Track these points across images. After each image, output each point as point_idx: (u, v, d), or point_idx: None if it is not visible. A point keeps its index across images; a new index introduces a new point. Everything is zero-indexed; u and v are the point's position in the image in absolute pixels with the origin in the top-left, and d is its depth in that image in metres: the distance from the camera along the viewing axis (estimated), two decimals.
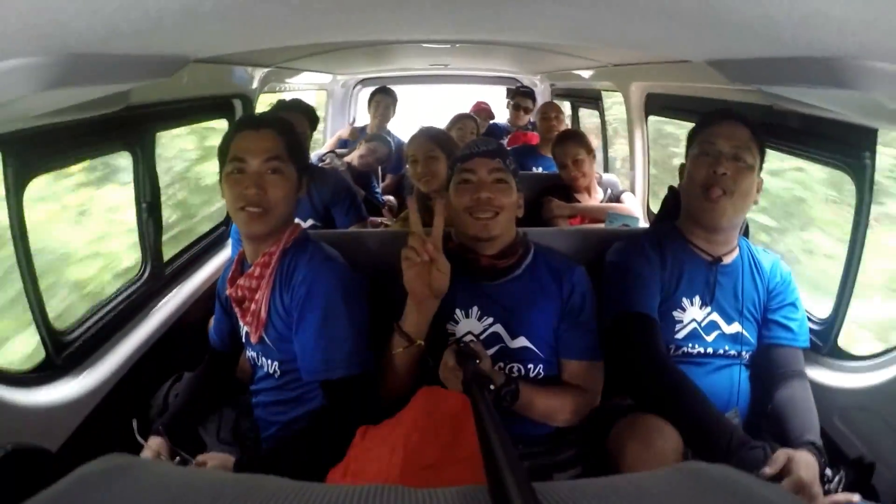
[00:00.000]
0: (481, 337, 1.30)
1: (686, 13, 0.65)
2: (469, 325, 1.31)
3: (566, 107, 3.93)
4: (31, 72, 0.79)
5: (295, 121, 3.54)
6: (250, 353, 1.33)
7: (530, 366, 1.29)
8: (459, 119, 2.97)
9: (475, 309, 1.31)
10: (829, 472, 1.13)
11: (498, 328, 1.30)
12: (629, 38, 1.02)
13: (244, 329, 1.30)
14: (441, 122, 3.07)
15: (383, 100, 3.67)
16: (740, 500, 0.31)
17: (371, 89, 3.88)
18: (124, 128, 1.56)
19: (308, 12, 0.88)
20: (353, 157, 3.04)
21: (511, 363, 1.29)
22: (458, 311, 1.31)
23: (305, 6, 0.80)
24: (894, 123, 1.16)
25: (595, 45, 1.54)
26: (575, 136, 2.48)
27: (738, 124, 1.30)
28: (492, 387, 0.72)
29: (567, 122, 3.35)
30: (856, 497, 1.06)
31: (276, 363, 1.27)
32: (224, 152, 1.22)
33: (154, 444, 1.23)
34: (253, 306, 1.23)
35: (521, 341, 1.29)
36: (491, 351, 1.28)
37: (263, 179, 1.18)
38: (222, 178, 1.22)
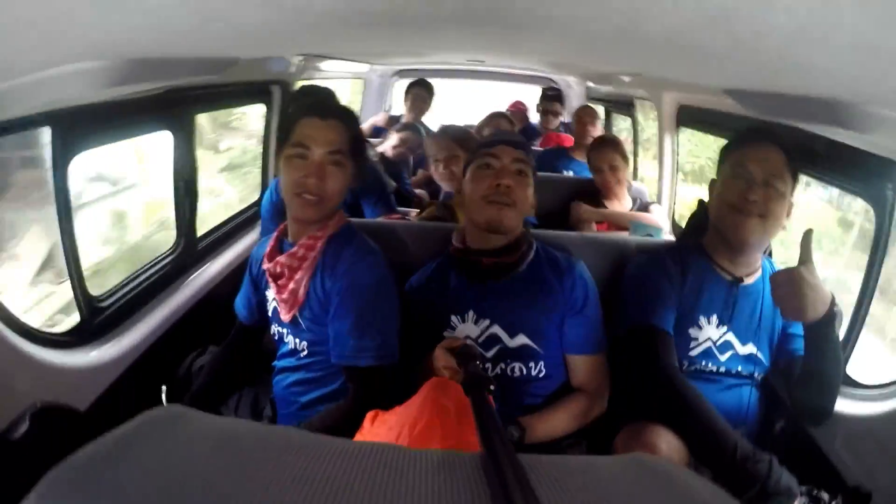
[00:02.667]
0: (479, 340, 1.31)
1: (706, 42, 0.67)
2: (466, 329, 1.32)
3: (600, 111, 3.90)
4: (92, 75, 0.85)
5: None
6: (276, 329, 1.37)
7: (531, 364, 1.30)
8: (494, 118, 2.90)
9: (471, 313, 1.32)
10: (826, 495, 1.12)
11: (496, 329, 1.30)
12: (649, 61, 1.04)
13: (273, 304, 1.34)
14: (475, 120, 3.08)
15: (420, 92, 3.66)
16: (676, 490, 0.35)
17: (407, 81, 3.91)
18: (166, 109, 1.62)
19: (348, 19, 0.92)
20: (387, 148, 3.05)
21: (512, 363, 1.30)
22: (453, 317, 1.33)
23: (347, 16, 0.84)
24: None
25: (622, 60, 1.55)
26: (612, 142, 2.48)
27: (771, 147, 1.27)
28: (492, 387, 0.74)
29: (601, 128, 3.32)
30: None
31: (304, 342, 1.31)
32: (286, 132, 1.24)
33: None
34: (291, 284, 1.27)
35: (521, 339, 1.30)
36: (490, 353, 1.30)
37: (324, 170, 1.21)
38: (281, 159, 1.25)
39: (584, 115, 3.15)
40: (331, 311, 1.24)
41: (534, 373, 1.30)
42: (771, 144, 1.27)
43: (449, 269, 1.39)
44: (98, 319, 1.39)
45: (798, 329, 1.33)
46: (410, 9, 0.89)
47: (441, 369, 1.12)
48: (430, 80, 3.80)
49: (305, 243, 1.27)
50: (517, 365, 1.30)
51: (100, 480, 0.33)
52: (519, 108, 4.52)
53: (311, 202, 1.22)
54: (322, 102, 1.31)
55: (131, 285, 1.56)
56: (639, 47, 0.97)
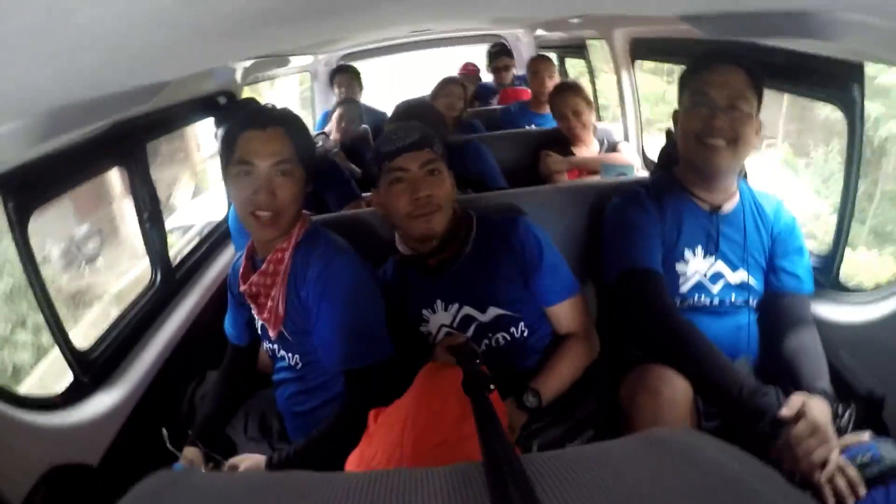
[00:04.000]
0: (454, 324, 1.31)
1: None
2: (439, 318, 1.32)
3: (553, 58, 3.85)
4: (18, 135, 0.80)
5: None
6: (268, 346, 1.35)
7: (512, 329, 1.30)
8: (445, 85, 2.77)
9: (438, 302, 1.32)
10: (839, 408, 1.14)
11: (466, 310, 1.30)
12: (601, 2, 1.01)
13: (260, 323, 1.32)
14: (428, 89, 3.02)
15: (343, 78, 3.62)
16: (700, 467, 0.34)
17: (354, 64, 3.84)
18: (115, 144, 1.57)
19: (276, 17, 0.88)
20: (332, 131, 3.01)
21: (493, 335, 1.30)
22: (424, 311, 1.33)
23: (272, 15, 0.80)
24: (878, 60, 1.15)
25: (572, 4, 1.52)
26: (573, 87, 2.45)
27: (731, 68, 1.23)
28: (491, 386, 0.74)
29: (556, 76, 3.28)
30: (866, 435, 1.07)
31: (296, 356, 1.30)
32: (228, 149, 1.19)
33: (189, 454, 1.28)
34: (269, 303, 1.24)
35: (493, 311, 1.29)
36: (469, 332, 1.30)
37: (272, 182, 1.16)
38: (228, 178, 1.21)
39: (539, 67, 3.10)
40: (313, 319, 1.22)
41: (517, 335, 1.30)
42: (730, 66, 1.24)
43: (404, 269, 1.38)
44: (91, 373, 1.37)
45: (783, 261, 1.35)
46: None
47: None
48: (377, 57, 3.74)
49: (273, 258, 1.23)
50: (499, 335, 1.30)
51: None
52: (470, 70, 4.44)
53: (266, 219, 1.18)
54: (259, 112, 1.24)
55: (117, 330, 1.53)
56: None
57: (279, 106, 1.30)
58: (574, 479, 0.33)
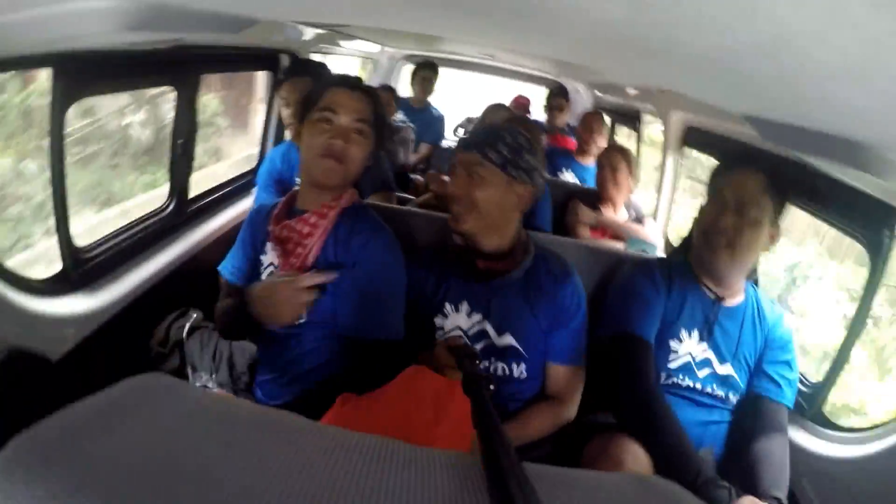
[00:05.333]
0: (469, 332, 1.32)
1: (728, 64, 0.66)
2: (457, 319, 1.33)
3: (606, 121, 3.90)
4: (104, 16, 0.81)
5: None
6: None
7: (514, 365, 1.30)
8: (494, 109, 2.80)
9: (465, 304, 1.32)
10: None
11: (486, 325, 1.31)
12: (666, 75, 1.03)
13: (268, 269, 1.33)
14: (478, 110, 3.06)
15: (426, 74, 3.82)
16: None
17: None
18: (172, 64, 1.59)
19: None
20: None
21: (496, 362, 1.30)
22: (447, 305, 1.33)
23: None
24: None
25: (649, 72, 1.55)
26: (623, 150, 2.50)
27: (751, 172, 1.26)
28: (491, 386, 0.74)
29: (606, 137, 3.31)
30: None
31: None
32: (312, 101, 1.26)
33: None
34: (299, 249, 1.26)
35: (507, 339, 1.30)
36: (477, 346, 1.30)
37: (350, 135, 1.22)
38: (305, 124, 1.26)
39: (592, 121, 3.13)
40: (343, 283, 1.23)
41: (515, 374, 1.31)
42: (750, 169, 1.27)
43: (450, 260, 1.39)
44: (80, 269, 1.36)
45: (770, 368, 1.36)
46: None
47: (441, 369, 1.12)
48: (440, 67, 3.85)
49: (319, 212, 1.26)
50: (501, 364, 1.31)
51: (75, 452, 0.30)
52: (521, 103, 4.47)
53: (334, 165, 1.22)
54: (350, 76, 1.33)
55: (117, 240, 1.52)
56: (670, 61, 0.96)
57: None
58: (567, 491, 0.35)
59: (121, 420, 0.33)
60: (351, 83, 1.28)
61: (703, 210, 1.33)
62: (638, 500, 0.36)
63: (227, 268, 1.43)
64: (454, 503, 0.33)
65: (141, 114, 5.30)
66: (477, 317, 1.32)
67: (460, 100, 5.20)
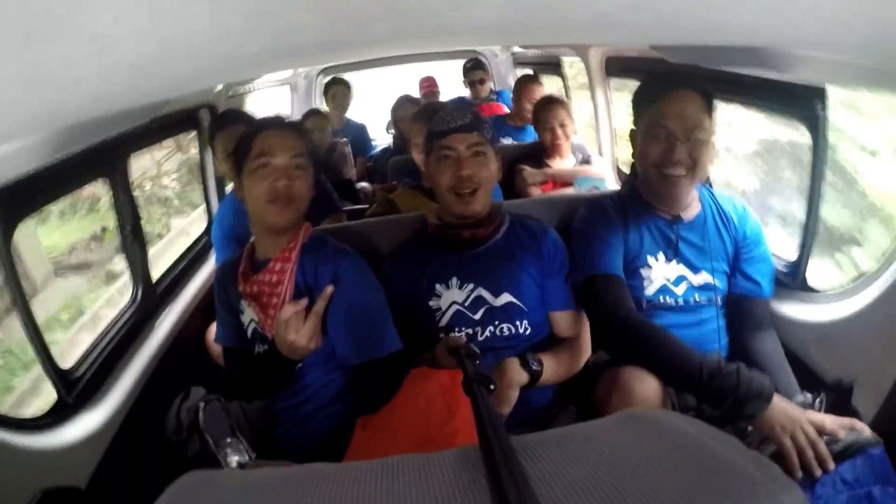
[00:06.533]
0: (466, 303, 1.35)
1: (631, 20, 0.70)
2: (451, 295, 1.36)
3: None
4: (25, 151, 0.81)
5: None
6: (260, 348, 1.35)
7: (517, 322, 1.34)
8: (402, 103, 2.85)
9: (454, 279, 1.36)
10: (808, 396, 1.20)
11: (480, 291, 1.35)
12: (573, 26, 1.07)
13: (251, 326, 1.34)
14: (388, 103, 3.03)
15: (339, 90, 3.80)
16: (669, 435, 0.38)
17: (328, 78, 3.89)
18: (100, 157, 1.55)
19: (279, 51, 0.91)
20: None
21: (501, 323, 1.34)
22: (437, 286, 1.37)
23: (278, 49, 0.83)
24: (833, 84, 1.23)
25: (552, 37, 1.59)
26: (560, 101, 2.51)
27: (689, 95, 1.27)
28: (492, 386, 0.77)
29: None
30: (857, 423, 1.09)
31: None
32: (245, 150, 1.26)
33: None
34: (274, 300, 1.26)
35: (505, 297, 1.34)
36: (478, 315, 1.34)
37: (291, 174, 1.24)
38: (244, 175, 1.26)
39: (531, 88, 3.08)
40: (328, 317, 1.25)
41: (521, 330, 1.35)
42: (687, 92, 1.28)
43: (426, 245, 1.43)
44: (75, 392, 1.34)
45: (745, 266, 1.41)
46: (345, 34, 0.88)
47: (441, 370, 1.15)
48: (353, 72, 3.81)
49: (280, 257, 1.27)
50: (505, 325, 1.34)
51: None
52: (429, 87, 4.33)
53: (283, 206, 1.23)
54: (275, 118, 1.35)
55: (99, 348, 1.51)
56: (569, 25, 1.00)
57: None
58: (561, 453, 0.37)
59: None
60: (277, 124, 1.29)
61: (646, 144, 1.33)
62: (627, 440, 0.39)
63: (219, 335, 1.44)
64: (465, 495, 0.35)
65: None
66: (469, 286, 1.35)
67: (374, 95, 5.16)
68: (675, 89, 1.29)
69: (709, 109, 1.29)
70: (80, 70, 0.56)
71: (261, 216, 1.27)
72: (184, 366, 1.75)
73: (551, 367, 1.32)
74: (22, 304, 1.24)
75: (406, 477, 0.37)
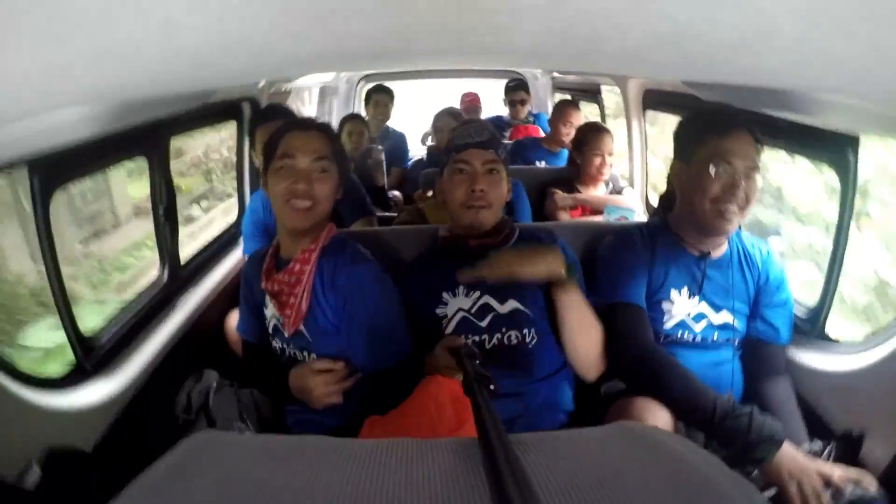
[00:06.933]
0: (472, 310, 1.36)
1: (659, 36, 0.72)
2: (458, 302, 1.37)
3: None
4: (80, 120, 0.86)
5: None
6: (278, 345, 1.39)
7: (524, 331, 1.34)
8: (443, 116, 2.91)
9: (461, 287, 1.37)
10: (818, 444, 1.19)
11: (486, 298, 1.35)
12: (605, 56, 1.10)
13: (272, 321, 1.37)
14: (429, 115, 3.09)
15: (381, 98, 3.78)
16: (659, 450, 0.40)
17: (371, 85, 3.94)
18: (140, 135, 1.61)
19: (330, 54, 0.94)
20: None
21: (508, 331, 1.34)
22: (444, 294, 1.38)
23: (329, 52, 0.87)
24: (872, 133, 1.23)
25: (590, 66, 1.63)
26: (606, 129, 2.50)
27: (746, 136, 1.27)
28: (492, 386, 0.77)
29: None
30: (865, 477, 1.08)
31: (312, 355, 1.34)
32: (272, 149, 1.28)
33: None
34: (292, 300, 1.29)
35: (511, 304, 1.34)
36: (484, 322, 1.34)
37: (311, 176, 1.25)
38: (268, 173, 1.29)
39: (570, 113, 3.07)
40: (344, 323, 1.28)
41: (528, 338, 1.34)
42: (746, 133, 1.28)
43: (438, 256, 1.46)
44: (92, 358, 1.38)
45: (765, 311, 1.40)
46: (392, 45, 0.92)
47: (442, 370, 1.16)
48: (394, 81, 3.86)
49: (300, 258, 1.29)
50: (512, 332, 1.34)
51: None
52: (471, 102, 4.40)
53: (302, 208, 1.25)
54: (301, 118, 1.37)
55: (121, 321, 1.55)
56: (600, 54, 1.03)
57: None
58: (548, 450, 0.40)
59: (191, 473, 0.38)
60: (304, 125, 1.31)
61: (704, 177, 1.29)
62: (616, 446, 0.41)
63: (242, 328, 1.48)
64: (460, 481, 0.37)
65: None
66: (476, 293, 1.36)
67: (414, 106, 5.23)
68: (737, 128, 1.28)
69: (760, 152, 1.29)
70: (147, 51, 0.60)
71: (282, 217, 1.30)
72: (201, 349, 1.79)
73: (587, 304, 1.32)
74: (53, 268, 1.29)
75: (405, 457, 0.39)
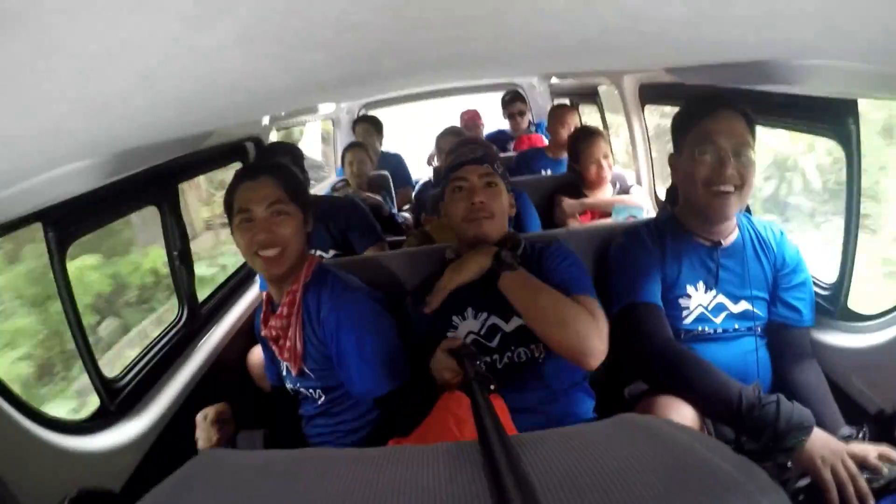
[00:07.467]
0: (482, 332, 1.35)
1: (636, 28, 0.73)
2: (468, 325, 1.37)
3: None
4: (83, 173, 0.90)
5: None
6: (292, 387, 1.41)
7: (532, 346, 1.32)
8: (447, 134, 2.94)
9: (469, 310, 1.37)
10: (850, 429, 1.16)
11: (493, 319, 1.35)
12: (592, 56, 1.11)
13: (282, 365, 1.39)
14: (431, 134, 3.13)
15: (365, 128, 3.84)
16: (658, 440, 0.39)
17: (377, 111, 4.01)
18: (149, 184, 1.67)
19: (319, 79, 0.98)
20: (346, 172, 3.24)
21: (516, 349, 1.33)
22: (454, 317, 1.38)
23: (316, 76, 0.90)
24: (868, 95, 1.21)
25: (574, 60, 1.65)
26: (599, 133, 2.50)
27: (734, 115, 1.27)
28: (492, 386, 0.77)
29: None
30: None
31: (318, 391, 1.36)
32: (230, 205, 1.30)
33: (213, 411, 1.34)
34: (288, 343, 1.32)
35: (516, 321, 1.33)
36: (494, 342, 1.34)
37: (270, 222, 1.26)
38: (233, 231, 1.30)
39: (565, 117, 3.07)
40: (334, 357, 1.29)
41: (537, 353, 1.33)
42: (732, 112, 1.27)
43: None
44: (117, 400, 1.42)
45: (785, 294, 1.38)
46: (359, 70, 0.95)
47: (442, 371, 1.15)
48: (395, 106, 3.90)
49: (286, 300, 1.31)
50: (521, 349, 1.33)
51: None
52: (472, 119, 4.37)
53: (270, 257, 1.26)
54: (250, 166, 1.38)
55: (143, 361, 1.59)
56: (593, 51, 1.04)
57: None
58: (548, 448, 0.40)
59: (195, 489, 0.39)
60: (252, 173, 1.31)
61: (693, 162, 1.30)
62: (614, 439, 0.41)
63: (268, 374, 1.52)
64: (463, 484, 0.37)
65: None
66: (483, 315, 1.36)
67: (413, 127, 5.29)
68: (721, 108, 1.28)
69: (752, 131, 1.28)
70: (132, 103, 0.63)
71: (255, 269, 1.32)
72: (223, 384, 1.82)
73: (535, 283, 1.24)
74: (74, 315, 1.33)
75: (407, 463, 0.40)
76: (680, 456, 0.37)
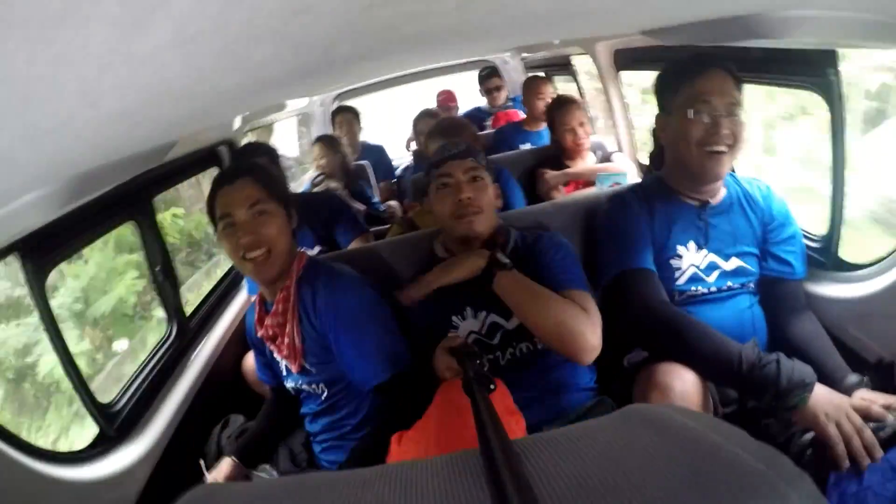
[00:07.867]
0: (483, 331, 1.34)
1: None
2: (468, 325, 1.36)
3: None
4: (45, 200, 0.86)
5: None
6: (292, 385, 1.41)
7: (534, 338, 1.32)
8: (423, 117, 2.89)
9: (468, 309, 1.36)
10: (857, 376, 1.16)
11: (493, 317, 1.34)
12: (566, 21, 1.08)
13: (282, 363, 1.38)
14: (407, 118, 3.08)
15: (345, 118, 3.72)
16: (668, 430, 0.38)
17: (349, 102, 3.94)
18: (121, 201, 1.62)
19: (271, 73, 0.94)
20: (321, 166, 3.11)
21: (518, 344, 1.33)
22: (453, 318, 1.37)
23: (267, 71, 0.86)
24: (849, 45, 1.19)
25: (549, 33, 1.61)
26: (574, 101, 2.47)
27: (724, 74, 1.26)
28: (492, 386, 0.75)
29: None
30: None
31: (321, 384, 1.35)
32: (212, 213, 1.28)
33: (225, 466, 1.36)
34: (286, 340, 1.31)
35: (516, 319, 1.32)
36: (495, 340, 1.33)
37: (251, 224, 1.24)
38: (218, 238, 1.29)
39: (542, 90, 3.03)
40: (333, 347, 1.28)
41: (539, 346, 1.32)
42: (722, 71, 1.27)
43: None
44: (115, 425, 1.40)
45: (775, 248, 1.38)
46: (309, 61, 0.91)
47: (443, 370, 1.15)
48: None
49: (280, 297, 1.31)
50: (523, 344, 1.33)
51: None
52: (447, 100, 4.41)
53: (258, 259, 1.25)
54: (227, 169, 1.36)
55: (137, 382, 1.56)
56: (566, 18, 1.01)
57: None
58: (552, 451, 0.38)
59: None
60: (229, 177, 1.29)
61: (686, 122, 1.28)
62: (623, 436, 0.39)
63: (261, 375, 1.52)
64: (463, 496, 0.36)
65: None
66: (483, 313, 1.35)
67: (392, 113, 5.23)
68: (712, 68, 1.28)
69: (740, 90, 1.27)
70: (76, 123, 0.60)
71: (245, 272, 1.31)
72: (221, 395, 1.80)
73: (529, 284, 1.24)
74: (59, 343, 1.30)
75: (402, 481, 0.38)
76: (696, 450, 0.35)
